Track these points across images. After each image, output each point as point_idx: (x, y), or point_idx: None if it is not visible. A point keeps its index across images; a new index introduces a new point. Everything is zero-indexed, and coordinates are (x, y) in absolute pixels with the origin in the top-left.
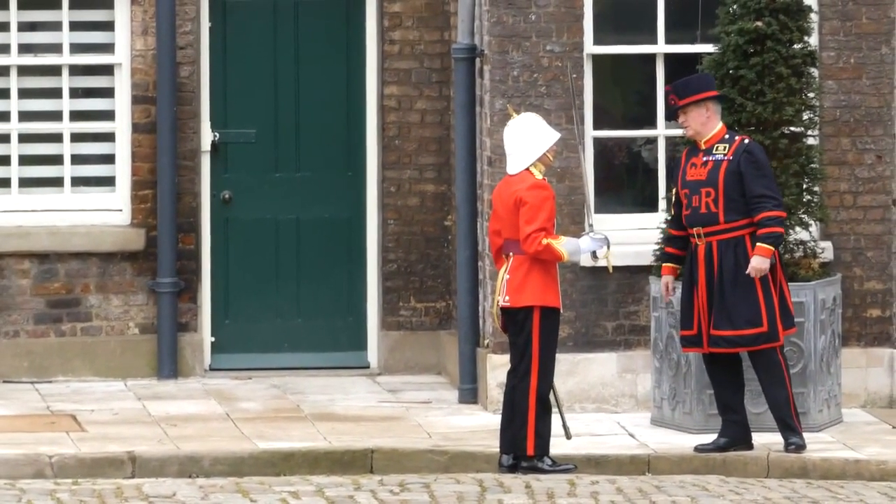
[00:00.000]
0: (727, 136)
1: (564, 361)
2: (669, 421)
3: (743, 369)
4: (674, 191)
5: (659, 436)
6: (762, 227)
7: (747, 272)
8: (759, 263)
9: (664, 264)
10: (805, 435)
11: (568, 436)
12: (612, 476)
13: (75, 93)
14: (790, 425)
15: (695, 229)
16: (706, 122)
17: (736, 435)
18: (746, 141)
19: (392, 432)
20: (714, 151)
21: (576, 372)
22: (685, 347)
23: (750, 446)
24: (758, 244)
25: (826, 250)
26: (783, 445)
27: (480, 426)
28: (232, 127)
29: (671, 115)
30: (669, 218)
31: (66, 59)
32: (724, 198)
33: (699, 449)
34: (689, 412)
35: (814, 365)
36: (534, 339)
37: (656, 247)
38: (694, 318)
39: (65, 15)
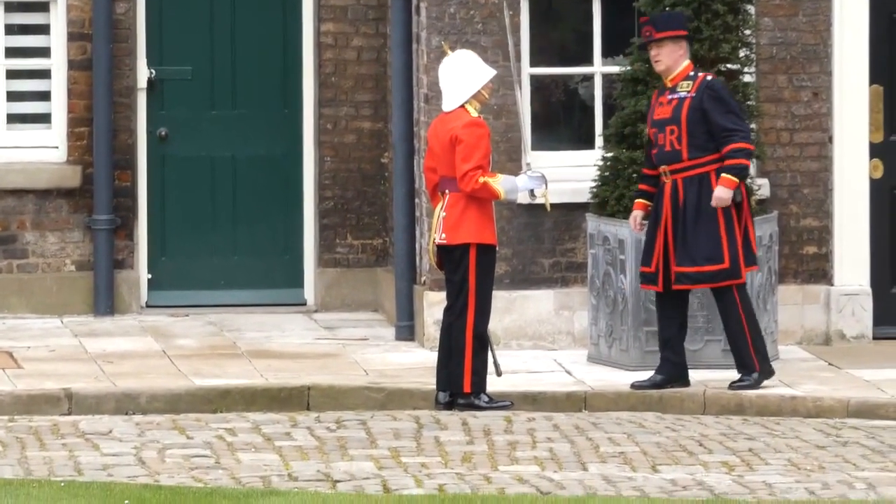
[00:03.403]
0: (691, 74)
1: (501, 298)
2: (606, 358)
3: (688, 310)
4: (646, 131)
5: (595, 373)
6: (728, 159)
7: (712, 203)
8: (721, 193)
9: (636, 199)
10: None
11: (498, 373)
12: (549, 413)
13: (10, 29)
14: (744, 363)
15: (661, 167)
16: (678, 59)
17: (672, 373)
18: (709, 78)
19: (328, 369)
20: (678, 89)
21: (512, 309)
22: (642, 284)
23: (686, 384)
24: (722, 175)
25: (763, 187)
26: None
27: (417, 363)
28: (168, 64)
29: (608, 52)
30: (643, 158)
31: None
32: (688, 135)
33: (635, 385)
34: (625, 349)
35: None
36: (470, 276)
37: (593, 184)
38: (654, 256)
39: None
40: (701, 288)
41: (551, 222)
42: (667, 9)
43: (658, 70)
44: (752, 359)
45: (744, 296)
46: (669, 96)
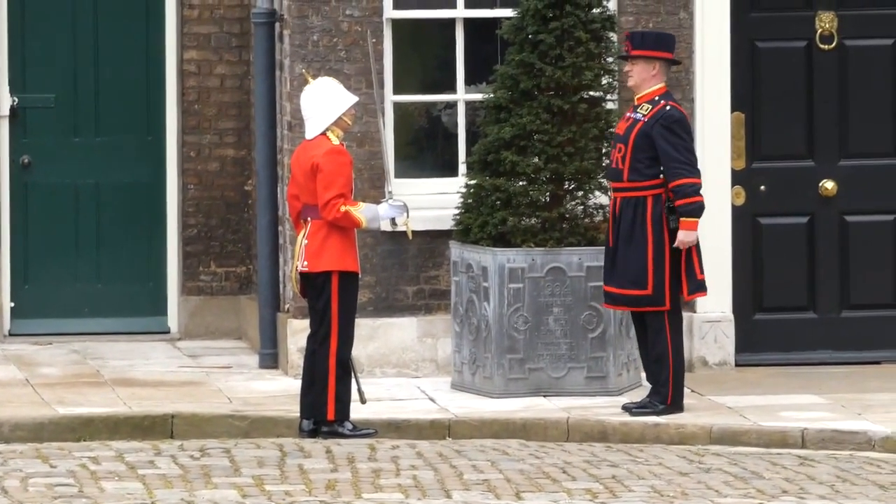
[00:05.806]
0: (656, 99)
1: (365, 326)
2: (470, 385)
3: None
4: None
5: (459, 400)
6: (679, 197)
7: (675, 245)
8: (684, 237)
9: None
10: (603, 399)
11: (362, 400)
12: (413, 441)
13: None
14: (658, 390)
15: (610, 183)
16: (648, 79)
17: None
18: (668, 107)
19: (192, 397)
20: (638, 110)
21: (376, 336)
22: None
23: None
24: (681, 219)
25: None
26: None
27: (281, 391)
28: (30, 91)
29: (472, 80)
30: None
31: None
32: (631, 157)
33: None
34: (489, 377)
35: (613, 329)
36: (333, 303)
37: (456, 211)
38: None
39: None
40: (625, 310)
41: (415, 249)
42: (529, 36)
43: (629, 85)
44: (668, 389)
45: (675, 325)
46: (629, 115)
